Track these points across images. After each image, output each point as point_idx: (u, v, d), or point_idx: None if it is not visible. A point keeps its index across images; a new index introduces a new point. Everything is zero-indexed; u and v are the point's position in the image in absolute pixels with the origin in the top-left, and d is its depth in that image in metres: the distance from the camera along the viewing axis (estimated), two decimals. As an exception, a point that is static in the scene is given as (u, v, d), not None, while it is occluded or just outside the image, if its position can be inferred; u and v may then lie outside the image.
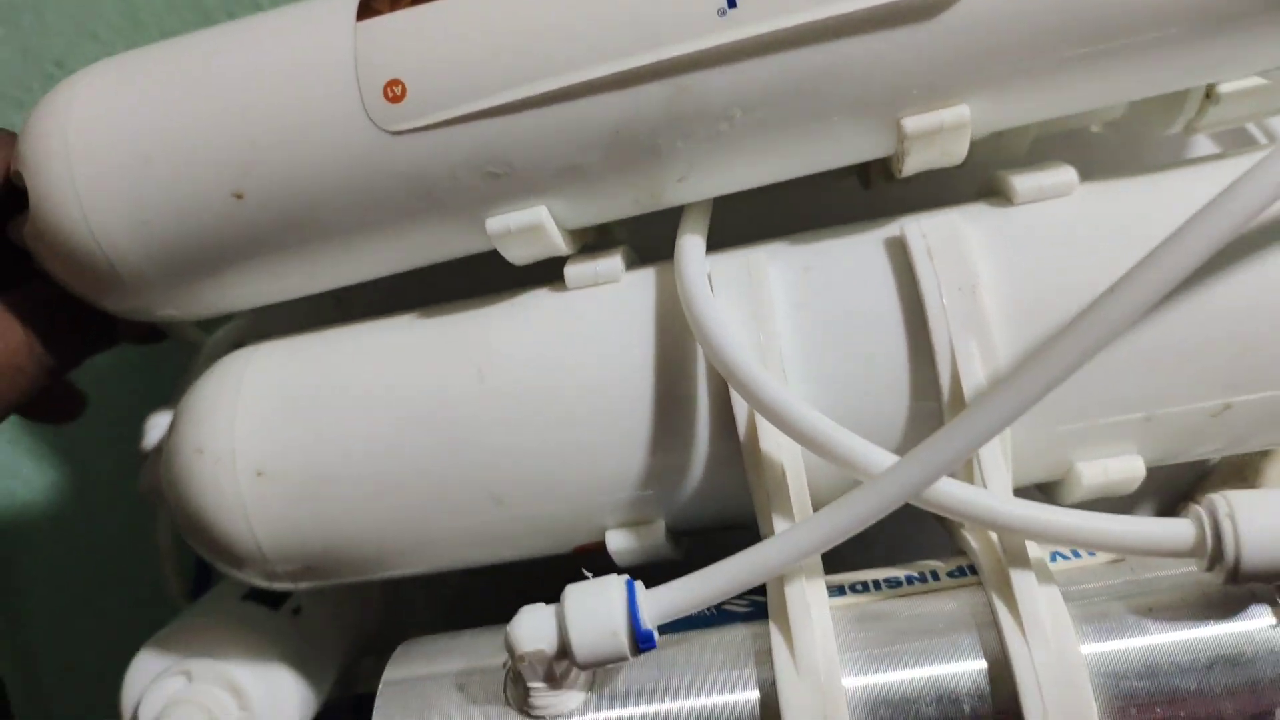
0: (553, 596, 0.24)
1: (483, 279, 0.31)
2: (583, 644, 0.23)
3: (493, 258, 0.29)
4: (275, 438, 0.28)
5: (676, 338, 0.27)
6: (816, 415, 0.24)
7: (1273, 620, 0.23)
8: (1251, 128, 0.38)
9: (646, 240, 0.31)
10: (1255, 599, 0.23)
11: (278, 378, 0.30)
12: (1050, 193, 0.27)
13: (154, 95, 0.27)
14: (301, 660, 0.35)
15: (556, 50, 0.25)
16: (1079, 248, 0.26)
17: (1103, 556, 0.25)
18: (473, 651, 0.27)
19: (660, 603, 0.23)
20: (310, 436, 0.28)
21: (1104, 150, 0.36)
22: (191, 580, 0.53)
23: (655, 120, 0.25)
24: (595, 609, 0.23)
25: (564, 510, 0.28)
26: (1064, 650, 0.23)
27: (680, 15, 0.24)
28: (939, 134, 0.26)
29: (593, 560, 0.28)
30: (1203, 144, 0.38)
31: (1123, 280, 0.22)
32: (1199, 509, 0.22)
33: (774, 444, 0.26)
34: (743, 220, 0.30)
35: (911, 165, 0.27)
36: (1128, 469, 0.27)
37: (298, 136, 0.26)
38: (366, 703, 0.26)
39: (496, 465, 0.28)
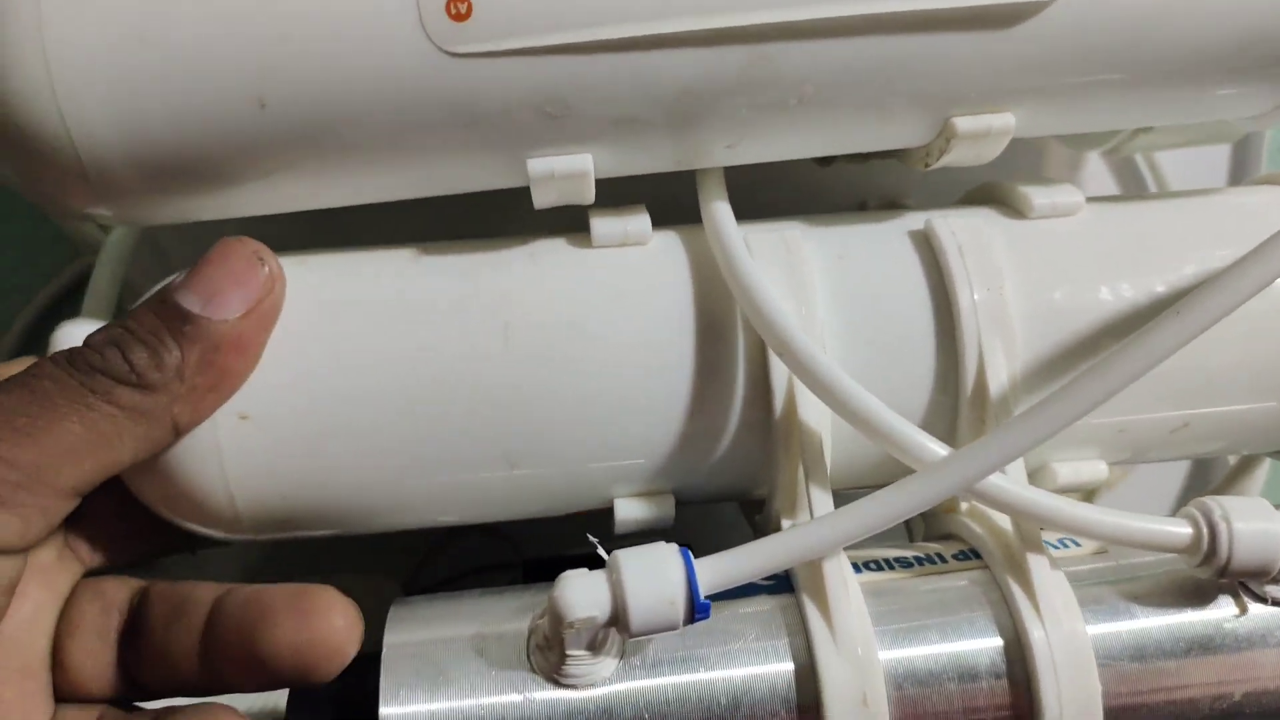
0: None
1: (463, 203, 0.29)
2: (639, 612, 0.22)
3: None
4: (266, 378, 0.25)
5: (712, 306, 0.27)
6: (872, 397, 0.24)
7: (1236, 610, 0.25)
8: (1139, 159, 0.43)
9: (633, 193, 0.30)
10: (1221, 591, 0.26)
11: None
12: (1062, 210, 0.29)
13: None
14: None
15: (644, -5, 0.24)
16: (1089, 266, 0.28)
17: (1089, 546, 0.27)
18: (483, 615, 0.25)
19: (714, 573, 0.23)
20: (311, 380, 0.26)
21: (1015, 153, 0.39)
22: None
23: (728, 84, 0.25)
24: (653, 577, 0.22)
25: (579, 478, 0.27)
26: (1073, 631, 0.24)
27: (775, -19, 0.24)
28: (985, 137, 0.27)
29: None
30: (1095, 162, 0.43)
31: (1163, 319, 0.24)
32: (1195, 512, 0.25)
33: (813, 417, 0.26)
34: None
35: (946, 160, 0.28)
36: (1094, 472, 0.29)
37: (338, 40, 0.24)
38: (366, 665, 0.24)
39: (516, 428, 0.26)
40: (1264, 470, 0.43)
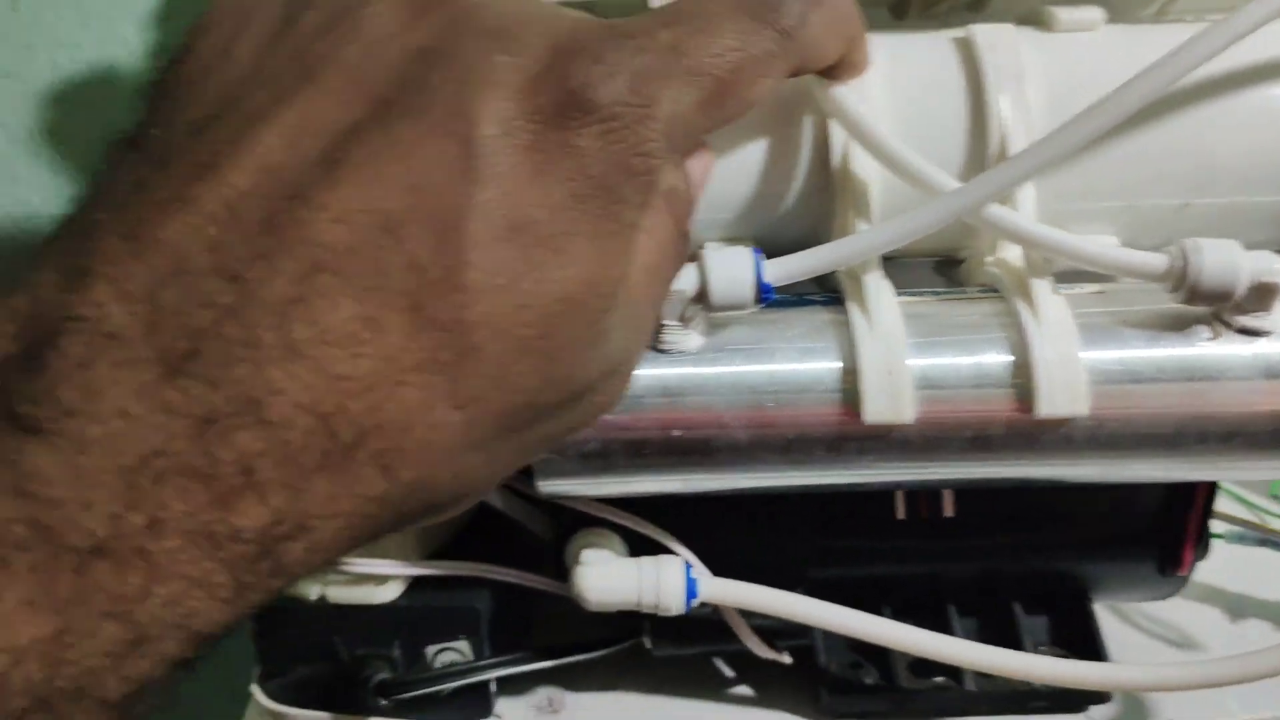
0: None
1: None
2: (718, 288, 0.29)
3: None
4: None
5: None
6: (902, 145, 0.31)
7: (1210, 336, 0.31)
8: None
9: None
10: (1198, 321, 0.31)
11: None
12: (1084, 25, 0.35)
13: None
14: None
15: None
16: (1098, 66, 0.34)
17: (1090, 287, 0.33)
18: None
19: (779, 267, 0.30)
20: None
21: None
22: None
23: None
24: (730, 264, 0.29)
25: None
26: (1068, 346, 0.30)
27: None
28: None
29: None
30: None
31: (1117, 90, 0.30)
32: (1173, 248, 0.30)
33: (862, 168, 0.32)
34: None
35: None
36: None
37: None
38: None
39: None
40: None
